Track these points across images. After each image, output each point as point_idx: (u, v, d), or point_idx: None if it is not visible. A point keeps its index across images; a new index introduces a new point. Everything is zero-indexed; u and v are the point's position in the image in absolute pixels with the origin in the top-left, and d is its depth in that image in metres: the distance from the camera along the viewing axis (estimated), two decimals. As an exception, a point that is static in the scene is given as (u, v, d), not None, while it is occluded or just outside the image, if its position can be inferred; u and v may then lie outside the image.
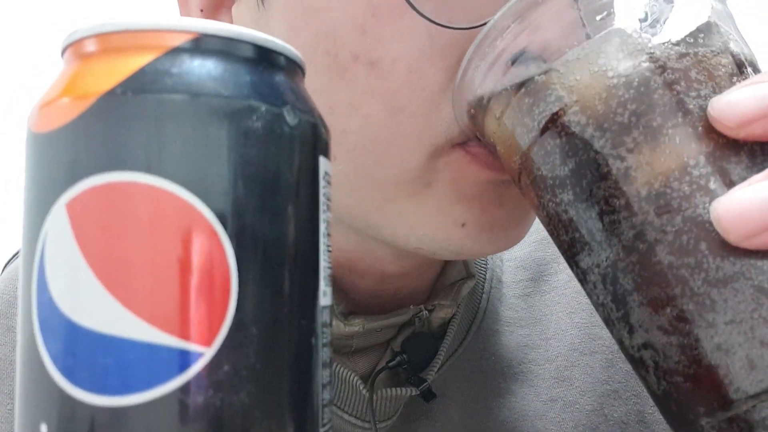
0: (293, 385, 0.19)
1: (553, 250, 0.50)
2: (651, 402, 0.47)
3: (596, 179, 0.24)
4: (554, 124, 0.25)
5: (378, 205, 0.35)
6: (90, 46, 0.19)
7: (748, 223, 0.21)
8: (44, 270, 0.18)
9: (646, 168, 0.23)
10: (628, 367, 0.47)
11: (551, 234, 0.27)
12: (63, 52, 0.20)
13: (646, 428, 0.46)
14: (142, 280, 0.17)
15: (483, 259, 0.49)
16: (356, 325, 0.41)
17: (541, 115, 0.26)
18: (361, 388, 0.42)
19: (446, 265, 0.46)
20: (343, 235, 0.39)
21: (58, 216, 0.18)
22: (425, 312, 0.44)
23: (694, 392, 0.22)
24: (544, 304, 0.48)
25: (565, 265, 0.49)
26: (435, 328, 0.45)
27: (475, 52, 0.28)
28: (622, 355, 0.47)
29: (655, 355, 0.23)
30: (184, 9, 0.37)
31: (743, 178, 0.22)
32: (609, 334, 0.47)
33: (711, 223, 0.22)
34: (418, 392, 0.43)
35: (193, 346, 0.17)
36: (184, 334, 0.17)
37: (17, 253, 0.53)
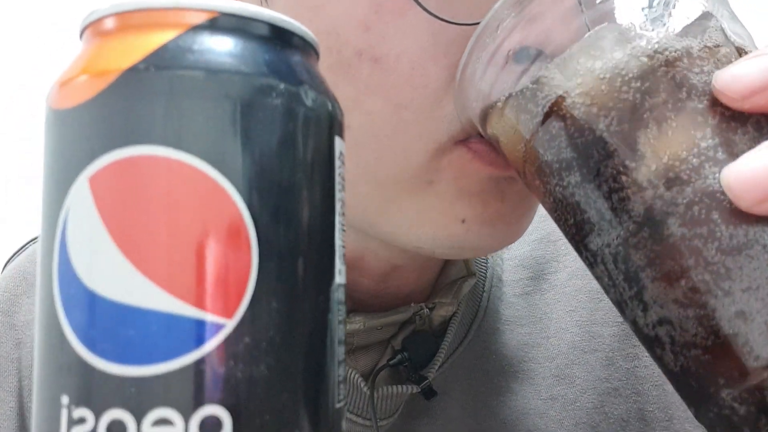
0: (311, 360, 0.19)
1: (552, 249, 0.50)
2: (651, 400, 0.47)
3: (603, 158, 0.24)
4: (558, 107, 0.25)
5: (379, 203, 0.35)
6: (110, 25, 0.19)
7: (759, 189, 0.21)
8: (66, 243, 0.18)
9: (653, 143, 0.23)
10: (628, 365, 0.47)
11: (558, 221, 0.27)
12: (82, 32, 0.20)
13: (646, 426, 0.46)
14: (165, 252, 0.17)
15: (483, 257, 0.49)
16: (357, 323, 0.42)
17: (545, 100, 0.26)
18: (362, 385, 0.42)
19: (447, 263, 0.46)
20: None
21: (81, 190, 0.18)
22: (426, 310, 0.44)
23: (714, 364, 0.22)
24: (545, 302, 0.49)
25: (565, 263, 0.50)
26: (436, 326, 0.45)
27: (475, 45, 0.28)
28: (622, 353, 0.48)
29: (672, 330, 0.23)
30: None
31: (751, 149, 0.22)
32: (609, 332, 0.48)
33: (722, 192, 0.22)
34: (419, 390, 0.43)
35: (214, 318, 0.17)
36: (206, 306, 0.17)
37: (17, 251, 0.53)
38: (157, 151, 0.18)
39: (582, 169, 0.25)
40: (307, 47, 0.21)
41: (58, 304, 0.18)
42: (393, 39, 0.31)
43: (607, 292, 0.26)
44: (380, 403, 0.43)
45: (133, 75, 0.18)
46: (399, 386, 0.43)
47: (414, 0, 0.30)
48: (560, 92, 0.25)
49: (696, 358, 0.22)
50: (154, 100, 0.18)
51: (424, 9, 0.30)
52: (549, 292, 0.49)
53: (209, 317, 0.17)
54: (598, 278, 0.26)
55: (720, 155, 0.22)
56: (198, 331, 0.17)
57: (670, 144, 0.23)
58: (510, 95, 0.28)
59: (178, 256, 0.17)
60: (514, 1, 0.27)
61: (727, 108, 0.23)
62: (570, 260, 0.50)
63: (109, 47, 0.19)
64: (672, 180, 0.23)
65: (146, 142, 0.18)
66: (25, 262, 0.51)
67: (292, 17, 0.34)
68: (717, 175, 0.22)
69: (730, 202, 0.22)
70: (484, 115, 0.30)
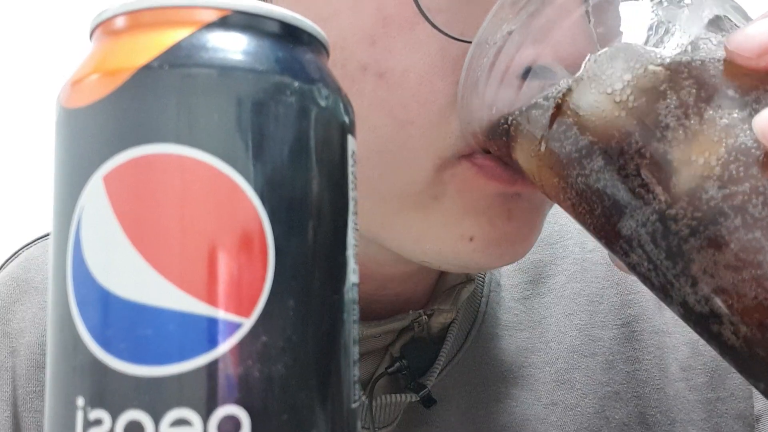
0: (327, 359, 0.19)
1: (550, 252, 0.50)
2: (652, 403, 0.47)
3: (625, 136, 0.24)
4: (570, 95, 0.25)
5: (383, 219, 0.35)
6: (122, 23, 0.19)
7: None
8: (80, 243, 0.18)
9: (677, 111, 0.23)
10: (628, 368, 0.47)
11: (583, 216, 0.26)
12: (92, 31, 0.20)
13: (647, 430, 0.46)
14: (181, 251, 0.17)
15: None
16: None
17: (556, 92, 0.26)
18: (361, 393, 0.42)
19: None
20: None
21: (96, 189, 0.18)
22: (424, 317, 0.44)
23: None
24: (543, 306, 0.48)
25: (564, 266, 0.50)
26: (434, 333, 0.45)
27: (475, 58, 0.28)
28: (623, 356, 0.48)
29: (728, 298, 0.22)
30: None
31: None
32: (609, 335, 0.48)
33: (756, 147, 0.21)
34: (418, 398, 0.43)
35: (232, 317, 0.17)
36: (224, 305, 0.17)
37: (10, 258, 0.53)
38: (172, 149, 0.17)
39: (604, 152, 0.24)
40: (318, 46, 0.21)
41: (73, 305, 0.18)
42: (400, 54, 0.31)
43: (647, 280, 0.25)
44: (378, 412, 0.43)
45: (146, 73, 0.18)
46: (397, 395, 0.43)
47: (423, 15, 0.30)
48: (571, 82, 0.25)
49: (760, 323, 0.21)
50: (168, 98, 0.18)
51: (433, 25, 0.30)
52: (547, 295, 0.49)
53: (227, 316, 0.17)
54: (635, 266, 0.25)
55: (747, 114, 0.22)
56: (215, 331, 0.17)
57: (696, 109, 0.23)
58: (521, 109, 0.28)
59: (195, 255, 0.17)
60: (516, 10, 0.27)
61: (746, 74, 0.23)
62: (568, 263, 0.50)
63: (121, 46, 0.19)
64: (703, 144, 0.22)
65: (161, 140, 0.18)
66: (18, 268, 0.50)
67: None
68: (748, 130, 0.22)
69: (767, 154, 0.21)
70: (493, 129, 0.29)
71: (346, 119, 0.21)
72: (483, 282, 0.48)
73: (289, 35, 0.20)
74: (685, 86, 0.23)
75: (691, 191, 0.22)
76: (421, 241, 0.34)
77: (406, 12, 0.30)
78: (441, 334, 0.45)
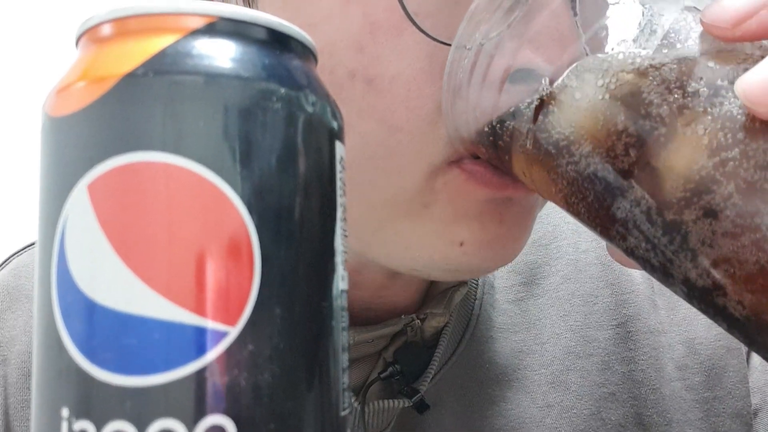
0: (316, 367, 0.19)
1: (544, 253, 0.50)
2: (649, 404, 0.47)
3: (611, 117, 0.24)
4: (552, 87, 0.25)
5: (373, 227, 0.34)
6: (107, 31, 0.19)
7: None
8: (65, 252, 0.18)
9: (659, 88, 0.23)
10: (624, 368, 0.47)
11: (577, 206, 0.26)
12: (78, 39, 0.20)
13: (644, 431, 0.46)
14: (166, 259, 0.17)
15: None
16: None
17: (542, 87, 0.26)
18: (352, 400, 0.42)
19: None
20: None
21: (80, 198, 0.18)
22: (417, 321, 0.43)
23: None
24: (538, 308, 0.48)
25: (557, 267, 0.50)
26: (427, 337, 0.45)
27: (457, 62, 0.28)
28: (618, 357, 0.48)
29: (729, 267, 0.22)
30: None
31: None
32: (604, 336, 0.48)
33: (741, 111, 0.21)
34: (411, 404, 0.43)
35: (218, 325, 0.17)
36: (209, 314, 0.17)
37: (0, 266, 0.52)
38: (157, 157, 0.17)
39: (592, 136, 0.24)
40: (306, 52, 0.21)
41: (57, 314, 0.18)
42: (388, 60, 0.31)
43: (647, 263, 0.24)
44: (371, 418, 0.42)
45: (131, 80, 0.18)
46: (390, 401, 0.42)
47: (410, 20, 0.30)
48: (554, 71, 0.26)
49: (764, 287, 0.21)
50: (153, 105, 0.18)
51: (421, 30, 0.30)
52: (542, 297, 0.49)
53: (212, 325, 0.17)
54: (633, 250, 0.25)
55: (729, 81, 0.22)
56: (201, 340, 0.17)
57: (679, 81, 0.23)
58: (506, 108, 0.27)
59: (180, 263, 0.17)
60: (492, 9, 0.27)
61: (725, 47, 0.23)
62: (562, 264, 0.50)
63: (106, 53, 0.19)
64: (688, 116, 0.22)
65: (146, 148, 0.17)
66: (8, 276, 0.50)
67: None
68: (732, 98, 0.22)
69: (754, 118, 0.21)
70: (479, 131, 0.29)
71: (334, 125, 0.20)
72: (476, 284, 0.48)
73: (276, 42, 0.20)
74: (666, 63, 0.24)
75: (682, 163, 0.22)
76: (412, 249, 0.34)
77: (394, 18, 0.30)
78: (434, 338, 0.45)
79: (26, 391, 0.46)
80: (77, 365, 0.17)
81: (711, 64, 0.23)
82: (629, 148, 0.24)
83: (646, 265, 0.25)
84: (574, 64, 0.25)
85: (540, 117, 0.26)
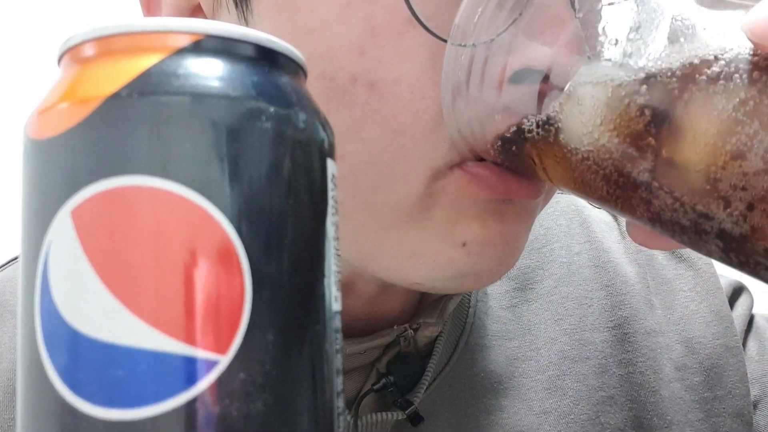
0: (310, 393, 0.18)
1: (537, 257, 0.50)
2: (648, 407, 0.46)
3: (623, 96, 0.24)
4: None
5: (375, 234, 0.34)
6: (90, 50, 0.18)
7: None
8: (48, 280, 0.17)
9: (670, 48, 0.23)
10: (622, 371, 0.46)
11: (595, 182, 0.26)
12: (60, 58, 0.19)
13: None
14: (153, 288, 0.17)
15: None
16: None
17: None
18: (347, 416, 0.41)
19: None
20: None
21: (63, 224, 0.17)
22: (410, 331, 0.43)
23: None
24: (532, 313, 0.48)
25: (551, 271, 0.49)
26: (421, 347, 0.44)
27: (456, 60, 0.28)
28: (616, 360, 0.48)
29: (766, 206, 0.21)
30: None
31: None
32: (601, 338, 0.47)
33: (750, 52, 0.22)
34: (405, 416, 0.42)
35: (208, 354, 0.17)
36: (199, 342, 0.17)
37: None
38: (143, 181, 0.17)
39: (605, 104, 0.24)
40: (295, 68, 0.20)
41: (41, 344, 0.17)
42: (390, 63, 0.30)
43: (677, 225, 0.24)
44: (364, 431, 0.42)
45: (115, 102, 0.17)
46: (384, 413, 0.41)
47: (417, 20, 0.29)
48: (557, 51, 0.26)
49: None
50: (138, 127, 0.17)
51: (428, 30, 0.29)
52: (536, 302, 0.48)
53: (202, 354, 0.17)
54: (660, 214, 0.24)
55: (736, 24, 0.22)
56: (190, 370, 0.16)
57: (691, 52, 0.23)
58: (510, 99, 0.27)
59: (167, 291, 0.17)
60: (483, 4, 0.27)
61: None
62: (555, 267, 0.49)
63: (89, 73, 0.18)
64: (701, 65, 0.22)
65: (131, 171, 0.17)
66: None
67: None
68: (741, 39, 0.22)
69: (764, 57, 0.21)
70: (483, 128, 0.29)
71: (325, 143, 0.20)
72: (470, 293, 0.48)
73: (264, 58, 0.19)
74: (677, 18, 0.24)
75: (702, 109, 0.22)
76: (415, 256, 0.34)
77: (395, 21, 0.30)
78: (428, 348, 0.44)
79: (12, 410, 0.45)
80: (62, 398, 0.16)
81: (715, 14, 0.23)
82: (644, 108, 0.23)
83: (675, 228, 0.24)
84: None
85: (545, 102, 0.26)
